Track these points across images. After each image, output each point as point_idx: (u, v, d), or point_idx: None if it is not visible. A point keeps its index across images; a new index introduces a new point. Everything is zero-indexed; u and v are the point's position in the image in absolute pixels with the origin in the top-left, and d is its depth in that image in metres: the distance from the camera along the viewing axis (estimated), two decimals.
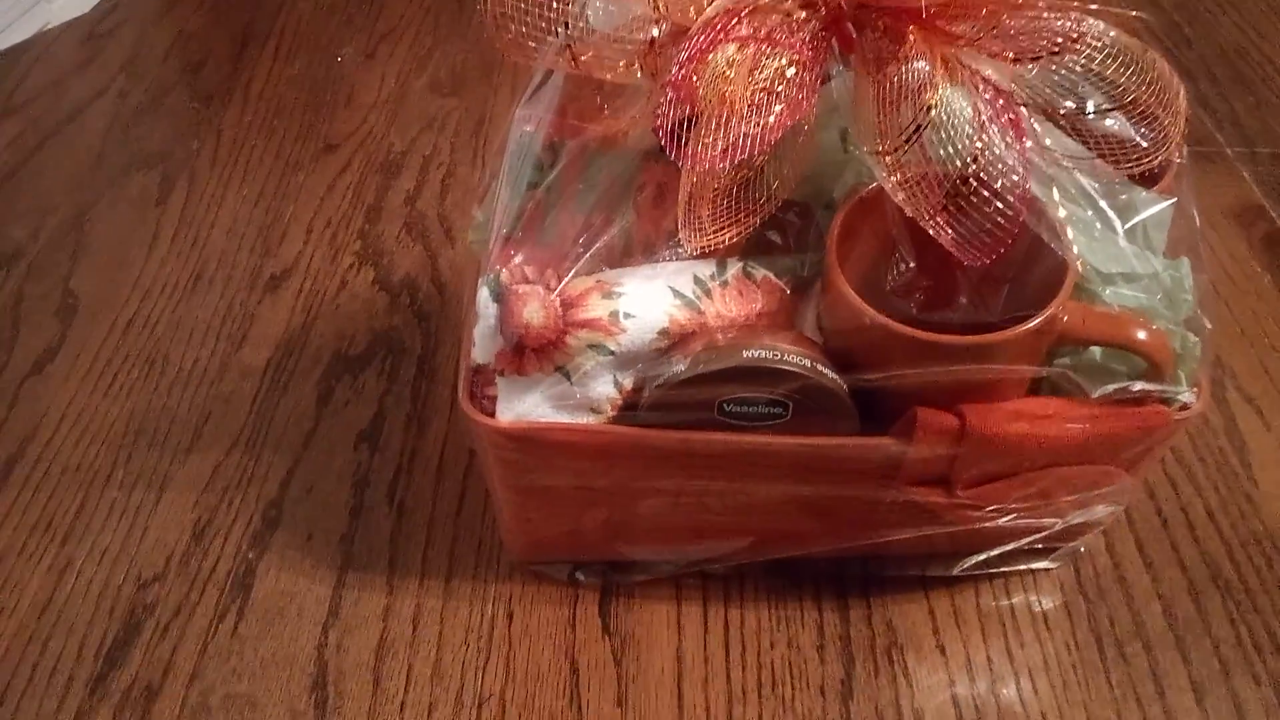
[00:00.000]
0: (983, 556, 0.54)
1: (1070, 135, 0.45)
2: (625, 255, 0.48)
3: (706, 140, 0.39)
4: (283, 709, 0.50)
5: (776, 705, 0.51)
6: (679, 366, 0.44)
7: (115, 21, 1.01)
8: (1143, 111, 0.44)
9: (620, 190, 0.48)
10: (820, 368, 0.43)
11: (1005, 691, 0.51)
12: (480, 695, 0.51)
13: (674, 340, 0.45)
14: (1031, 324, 0.42)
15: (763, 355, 0.43)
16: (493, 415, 0.46)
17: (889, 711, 0.50)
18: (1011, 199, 0.40)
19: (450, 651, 0.53)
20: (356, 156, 0.84)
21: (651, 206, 0.49)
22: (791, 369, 0.43)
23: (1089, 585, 0.56)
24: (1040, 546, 0.54)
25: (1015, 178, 0.40)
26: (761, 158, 0.44)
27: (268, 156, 0.84)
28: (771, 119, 0.40)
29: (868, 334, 0.44)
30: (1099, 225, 0.45)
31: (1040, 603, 0.55)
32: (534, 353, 0.44)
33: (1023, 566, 0.56)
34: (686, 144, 0.40)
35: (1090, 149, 0.45)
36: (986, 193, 0.40)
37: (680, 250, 0.48)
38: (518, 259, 0.46)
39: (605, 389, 0.46)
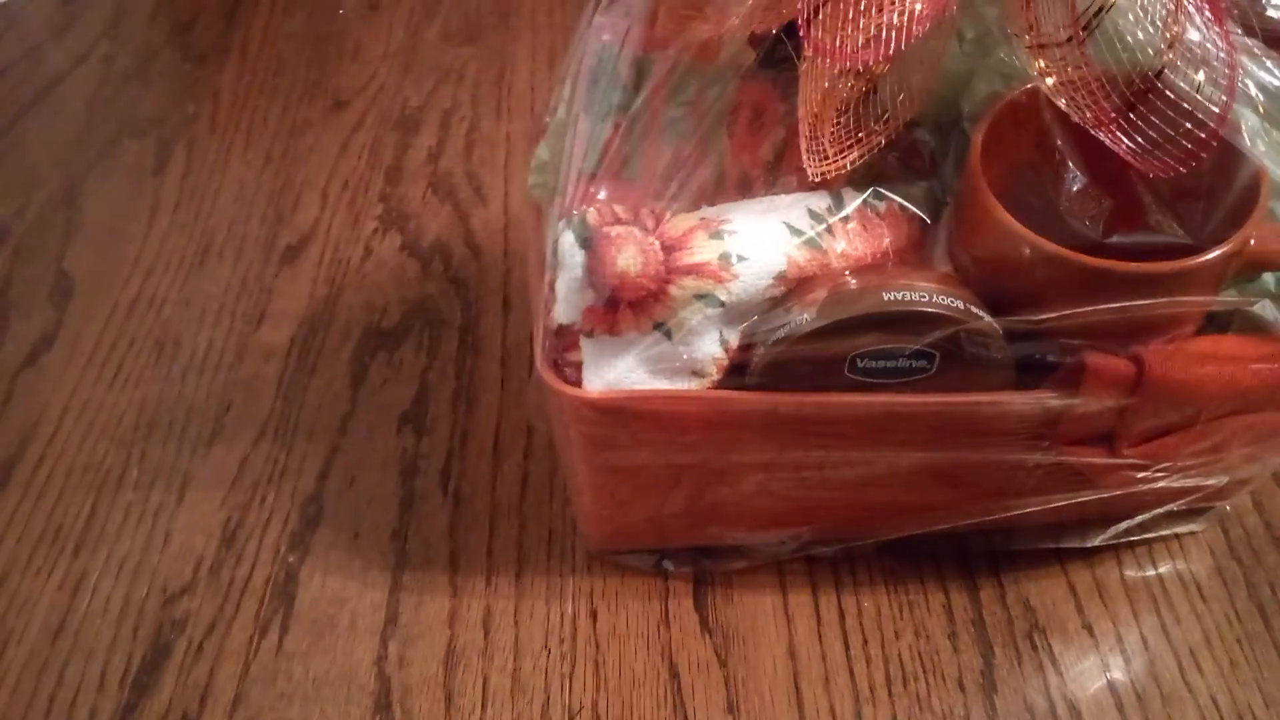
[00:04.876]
0: (1125, 525, 0.47)
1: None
2: (716, 190, 0.41)
3: (844, 31, 0.32)
4: None
5: (911, 704, 0.44)
6: (804, 316, 0.37)
7: None
8: None
9: (714, 116, 0.41)
10: (974, 309, 0.37)
11: (1167, 674, 0.45)
12: (570, 709, 0.44)
13: (790, 287, 0.38)
14: (1225, 247, 0.36)
15: (908, 297, 0.36)
16: (578, 384, 0.39)
17: (1039, 703, 0.44)
18: (1214, 93, 0.33)
19: (530, 659, 0.46)
20: (369, 113, 0.76)
21: (746, 133, 0.42)
22: (943, 311, 0.36)
23: (1241, 548, 0.49)
24: (1186, 509, 0.48)
25: (1217, 67, 0.33)
26: (882, 65, 0.37)
27: (272, 117, 0.76)
28: (919, 7, 0.33)
29: (1026, 266, 0.37)
30: None
31: (1191, 571, 0.48)
32: (630, 307, 0.37)
33: (1166, 531, 0.49)
34: (820, 36, 0.33)
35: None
36: (1184, 87, 0.33)
37: (781, 183, 0.41)
38: (602, 197, 0.38)
39: (710, 348, 0.39)
